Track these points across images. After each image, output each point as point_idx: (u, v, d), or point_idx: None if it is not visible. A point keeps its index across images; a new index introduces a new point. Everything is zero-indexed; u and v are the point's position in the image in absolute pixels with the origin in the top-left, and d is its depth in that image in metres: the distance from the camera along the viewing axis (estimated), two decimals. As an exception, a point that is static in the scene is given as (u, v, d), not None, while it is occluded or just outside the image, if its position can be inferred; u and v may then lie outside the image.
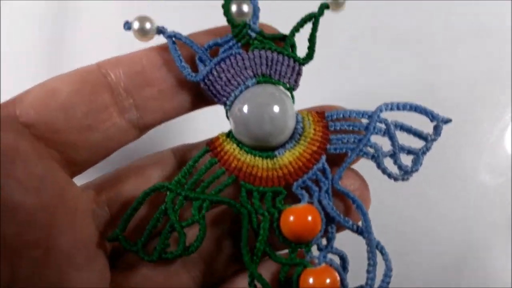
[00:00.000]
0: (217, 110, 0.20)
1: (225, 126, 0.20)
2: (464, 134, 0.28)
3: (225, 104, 0.19)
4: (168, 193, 0.19)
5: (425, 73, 0.29)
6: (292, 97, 0.20)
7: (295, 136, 0.19)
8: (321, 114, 0.20)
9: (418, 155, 0.20)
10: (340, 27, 0.26)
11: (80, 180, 0.19)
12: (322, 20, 0.19)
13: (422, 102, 0.23)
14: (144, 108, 0.18)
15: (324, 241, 0.19)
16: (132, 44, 0.19)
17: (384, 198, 0.25)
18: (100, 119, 0.17)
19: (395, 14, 0.30)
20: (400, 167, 0.19)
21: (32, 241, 0.15)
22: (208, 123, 0.22)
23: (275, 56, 0.19)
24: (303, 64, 0.20)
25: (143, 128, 0.18)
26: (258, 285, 0.18)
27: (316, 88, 0.23)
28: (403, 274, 0.25)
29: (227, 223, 0.20)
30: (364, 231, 0.19)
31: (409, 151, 0.20)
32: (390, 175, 0.19)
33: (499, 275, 0.27)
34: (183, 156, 0.20)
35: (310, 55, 0.19)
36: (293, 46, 0.19)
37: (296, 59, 0.19)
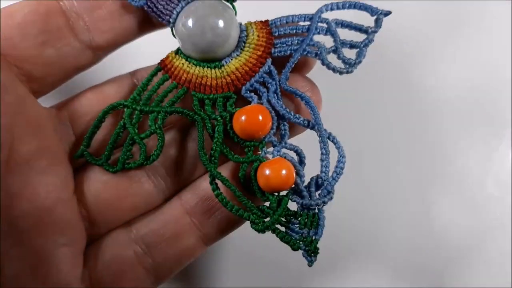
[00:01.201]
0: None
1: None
2: (472, 147, 0.28)
3: (169, 22, 0.20)
4: (125, 109, 0.20)
5: (435, 86, 0.29)
6: (234, 7, 0.20)
7: (240, 45, 0.20)
8: (265, 22, 0.21)
9: (360, 48, 0.20)
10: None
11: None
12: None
13: (431, 114, 0.28)
14: (95, 28, 0.19)
15: (277, 139, 0.20)
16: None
17: (391, 206, 0.27)
18: (54, 37, 0.19)
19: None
20: (343, 60, 0.20)
21: None
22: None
23: None
24: None
25: (96, 49, 0.20)
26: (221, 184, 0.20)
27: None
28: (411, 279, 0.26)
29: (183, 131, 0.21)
30: (314, 124, 0.20)
31: (351, 45, 0.20)
32: (334, 69, 0.20)
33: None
34: (140, 77, 0.21)
35: None
36: None
37: None
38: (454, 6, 0.29)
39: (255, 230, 0.19)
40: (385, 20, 0.20)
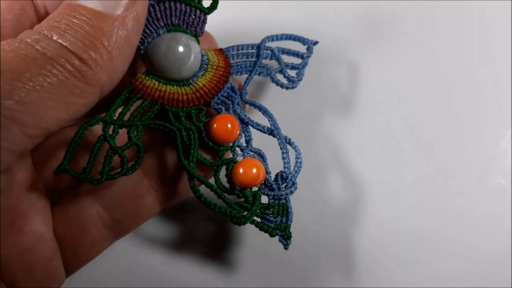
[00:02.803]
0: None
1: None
2: (476, 137, 0.28)
3: (139, 49, 0.23)
4: (103, 124, 0.21)
5: (438, 80, 0.30)
6: (197, 40, 0.24)
7: (203, 66, 0.24)
8: (220, 50, 0.25)
9: (299, 68, 0.25)
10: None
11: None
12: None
13: (436, 109, 0.29)
14: None
15: (244, 143, 0.23)
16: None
17: (400, 203, 0.27)
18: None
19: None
20: (288, 78, 0.25)
21: None
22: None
23: (183, 7, 0.23)
24: (208, 13, 0.23)
25: None
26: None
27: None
28: (420, 276, 0.26)
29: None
30: (273, 130, 0.24)
31: (293, 66, 0.25)
32: (282, 86, 0.25)
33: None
34: None
35: (214, 5, 0.23)
36: None
37: (202, 10, 0.23)
38: (452, 5, 0.31)
39: (236, 223, 0.22)
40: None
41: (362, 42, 0.30)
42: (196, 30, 0.23)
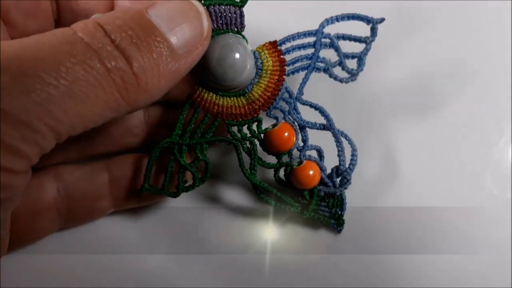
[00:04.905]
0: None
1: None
2: (472, 144, 0.28)
3: None
4: (171, 146, 0.24)
5: (434, 84, 0.29)
6: (243, 36, 0.23)
7: (257, 72, 0.23)
8: (274, 43, 0.23)
9: (360, 57, 0.24)
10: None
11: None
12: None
13: (430, 111, 0.28)
14: None
15: (301, 143, 0.25)
16: None
17: (391, 203, 0.27)
18: None
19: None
20: (348, 71, 0.24)
21: None
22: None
23: (217, 9, 0.22)
24: (242, 6, 0.22)
25: None
26: None
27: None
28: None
29: None
30: (329, 127, 0.24)
31: (353, 56, 0.24)
32: (341, 81, 0.24)
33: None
34: None
35: None
36: None
37: (235, 5, 0.22)
38: (452, 5, 0.29)
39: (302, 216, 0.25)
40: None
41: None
42: (237, 27, 0.23)
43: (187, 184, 0.24)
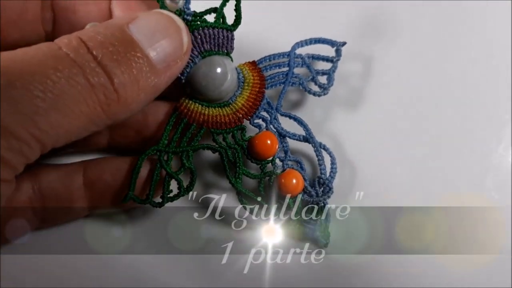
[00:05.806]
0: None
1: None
2: (471, 150, 0.28)
3: (180, 80, 0.24)
4: (158, 153, 0.24)
5: (432, 91, 0.29)
6: (231, 57, 0.25)
7: (240, 84, 0.25)
8: (253, 63, 0.26)
9: (330, 74, 0.26)
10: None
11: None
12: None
13: (429, 120, 0.28)
14: None
15: (282, 153, 0.26)
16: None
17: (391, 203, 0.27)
18: None
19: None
20: (319, 86, 0.26)
21: None
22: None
23: (211, 31, 0.24)
24: (234, 30, 0.24)
25: None
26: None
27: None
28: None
29: None
30: (308, 138, 0.26)
31: (323, 73, 0.27)
32: (314, 94, 0.26)
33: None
34: None
35: (238, 21, 0.24)
36: (223, 18, 0.24)
37: (228, 29, 0.24)
38: (452, 5, 0.30)
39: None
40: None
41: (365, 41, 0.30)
42: (227, 49, 0.25)
43: (172, 195, 0.24)
